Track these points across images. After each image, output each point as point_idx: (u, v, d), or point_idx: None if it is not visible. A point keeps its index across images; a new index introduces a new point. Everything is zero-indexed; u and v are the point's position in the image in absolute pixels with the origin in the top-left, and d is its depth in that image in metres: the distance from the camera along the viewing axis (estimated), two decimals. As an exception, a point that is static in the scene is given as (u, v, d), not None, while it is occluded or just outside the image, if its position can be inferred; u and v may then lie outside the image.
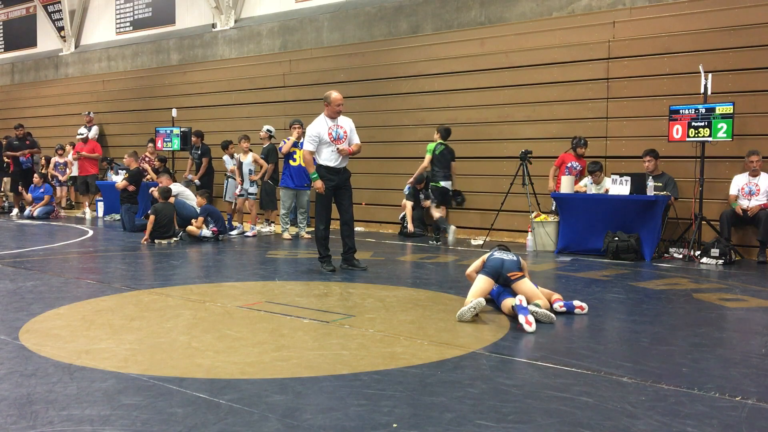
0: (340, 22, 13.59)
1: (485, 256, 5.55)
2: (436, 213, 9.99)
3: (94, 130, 16.35)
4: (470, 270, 5.72)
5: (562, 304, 5.28)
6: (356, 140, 7.59)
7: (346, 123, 7.52)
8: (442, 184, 9.98)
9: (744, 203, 8.50)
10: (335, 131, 7.37)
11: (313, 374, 3.73)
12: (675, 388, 3.52)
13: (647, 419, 3.08)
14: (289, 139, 10.43)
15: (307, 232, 10.90)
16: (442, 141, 10.11)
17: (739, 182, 8.61)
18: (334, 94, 7.46)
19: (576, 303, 5.34)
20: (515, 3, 11.35)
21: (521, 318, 4.81)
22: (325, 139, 7.30)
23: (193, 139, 12.79)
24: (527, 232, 9.59)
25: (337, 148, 7.30)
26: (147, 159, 13.50)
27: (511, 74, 10.91)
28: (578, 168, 9.72)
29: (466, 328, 4.87)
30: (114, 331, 4.68)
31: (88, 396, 3.36)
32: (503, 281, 5.34)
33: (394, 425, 2.99)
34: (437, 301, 5.78)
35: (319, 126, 7.36)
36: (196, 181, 12.52)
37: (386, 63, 12.43)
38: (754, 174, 8.47)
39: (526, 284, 5.29)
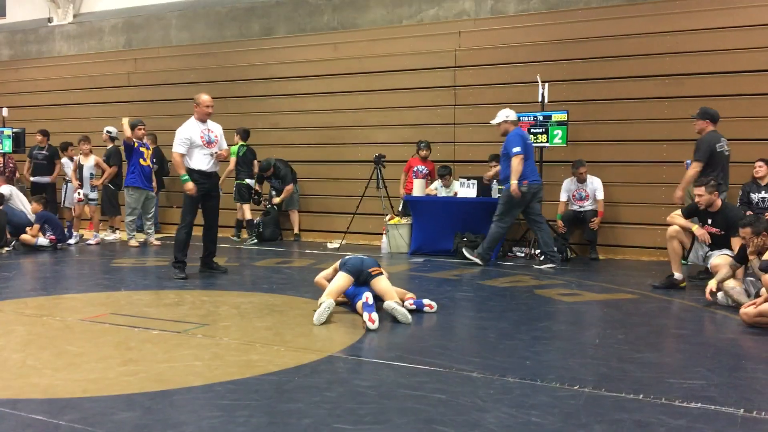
0: (189, 21, 13.16)
1: (337, 263, 5.59)
2: (248, 212, 10.83)
3: None
4: (319, 277, 5.77)
5: (412, 302, 5.44)
6: (224, 146, 7.48)
7: (216, 128, 7.40)
8: (247, 181, 10.86)
9: (575, 207, 9.14)
10: (207, 135, 7.22)
11: (163, 388, 3.57)
12: (520, 380, 3.72)
13: (496, 411, 3.23)
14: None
15: (156, 238, 10.46)
16: (243, 143, 10.94)
17: (568, 188, 9.22)
18: (203, 96, 7.33)
19: (425, 301, 5.52)
20: (366, 10, 11.54)
21: (365, 315, 4.91)
22: (197, 142, 7.16)
23: (38, 137, 11.68)
24: (382, 234, 9.77)
25: (215, 152, 7.23)
26: None
27: (364, 79, 11.09)
28: (424, 171, 10.05)
29: (323, 331, 4.88)
30: (-66, 353, 4.23)
31: None
32: (364, 278, 5.39)
33: (250, 435, 2.93)
34: (294, 306, 5.74)
35: (191, 129, 7.20)
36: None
37: (238, 65, 12.20)
38: (581, 181, 9.13)
39: (383, 282, 5.39)
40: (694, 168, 7.14)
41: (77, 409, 3.25)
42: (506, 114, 8.34)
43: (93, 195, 10.50)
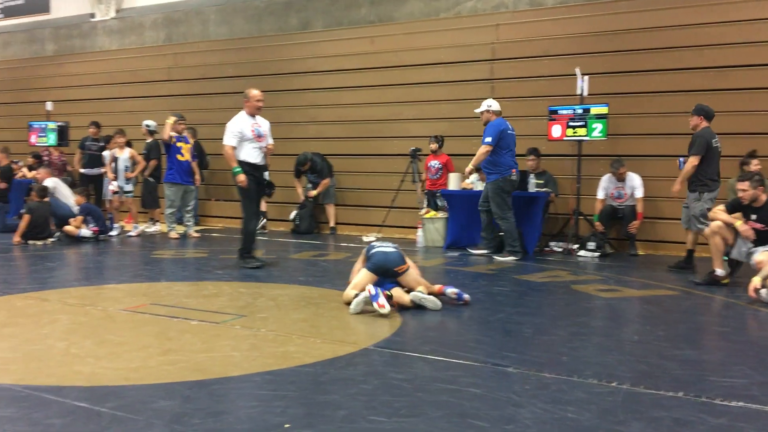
0: (227, 16, 13.29)
1: (364, 251, 5.63)
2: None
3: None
4: (356, 267, 5.79)
5: (456, 291, 5.43)
6: (270, 141, 7.60)
7: (264, 122, 7.52)
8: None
9: (613, 204, 9.00)
10: (257, 128, 7.34)
11: (201, 377, 3.63)
12: (556, 376, 3.69)
13: (531, 407, 3.21)
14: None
15: (196, 231, 10.62)
16: None
17: (607, 187, 9.08)
18: (254, 91, 7.43)
19: (465, 296, 5.50)
20: (403, 3, 11.52)
21: (374, 304, 4.98)
22: (247, 135, 7.26)
23: (91, 129, 11.89)
24: (417, 228, 9.76)
25: (266, 146, 7.39)
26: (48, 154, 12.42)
27: (401, 73, 11.07)
28: (436, 166, 10.09)
29: (359, 324, 4.90)
30: (-17, 340, 4.37)
31: (-46, 411, 3.12)
32: (391, 275, 5.41)
33: (287, 426, 2.96)
34: (330, 299, 5.77)
35: (242, 122, 7.30)
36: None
37: (276, 59, 12.29)
38: (620, 179, 8.99)
39: (409, 276, 5.43)
40: (692, 162, 7.31)
41: (119, 396, 3.32)
42: (488, 104, 8.55)
43: (128, 187, 10.66)
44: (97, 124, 11.94)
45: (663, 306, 5.69)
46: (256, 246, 7.78)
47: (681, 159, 7.80)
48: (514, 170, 8.26)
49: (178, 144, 10.08)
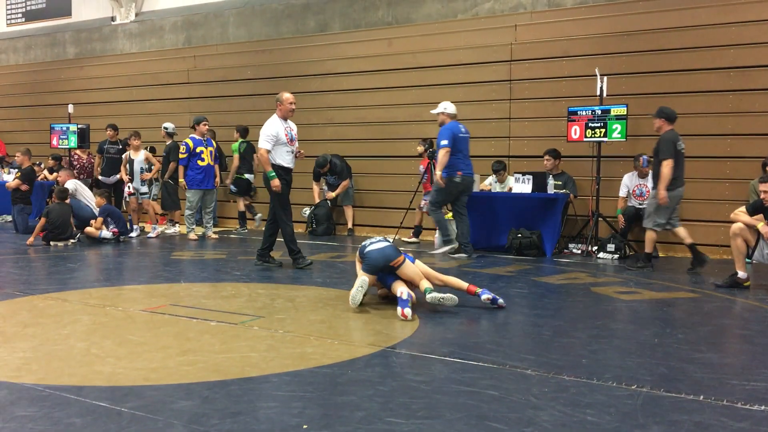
0: (246, 18, 13.37)
1: (357, 253, 5.69)
2: (242, 204, 11.59)
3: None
4: (358, 268, 5.89)
5: (490, 297, 5.43)
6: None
7: (294, 126, 7.64)
8: (246, 176, 11.48)
9: (635, 203, 8.95)
10: (290, 132, 7.47)
11: (220, 378, 3.65)
12: (575, 378, 3.67)
13: (550, 410, 3.19)
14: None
15: (215, 232, 10.67)
16: (243, 139, 11.48)
17: (629, 184, 9.04)
18: (286, 95, 7.54)
19: (500, 301, 5.49)
20: (421, 4, 11.51)
21: (399, 310, 5.05)
22: (282, 139, 7.37)
23: (109, 132, 11.93)
24: (435, 229, 9.74)
25: (299, 152, 7.55)
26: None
27: (419, 74, 11.06)
28: (421, 170, 10.13)
29: (376, 326, 4.90)
30: (6, 339, 4.42)
31: (-23, 409, 3.16)
32: (388, 270, 5.47)
33: (305, 426, 2.97)
34: (347, 300, 5.76)
35: (276, 126, 7.39)
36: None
37: (294, 61, 12.33)
38: (642, 176, 8.92)
39: (407, 268, 5.47)
40: (668, 165, 7.31)
41: (138, 396, 3.35)
42: (444, 106, 8.69)
43: (144, 189, 10.74)
44: (114, 127, 11.90)
45: (683, 308, 5.63)
46: (273, 248, 7.80)
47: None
48: (459, 172, 8.41)
49: (199, 149, 10.12)
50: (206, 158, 10.16)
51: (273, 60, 12.57)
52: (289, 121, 7.54)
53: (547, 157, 9.34)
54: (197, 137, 10.13)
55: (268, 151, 7.32)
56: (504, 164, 9.66)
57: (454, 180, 8.41)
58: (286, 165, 7.44)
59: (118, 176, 11.38)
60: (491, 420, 3.06)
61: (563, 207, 9.01)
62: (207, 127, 10.26)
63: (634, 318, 5.44)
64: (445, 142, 8.36)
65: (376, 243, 5.58)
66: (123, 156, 11.06)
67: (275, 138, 7.32)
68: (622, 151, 9.27)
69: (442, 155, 8.35)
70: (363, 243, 5.70)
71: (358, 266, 5.71)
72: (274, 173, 7.30)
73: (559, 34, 10.08)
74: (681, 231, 7.68)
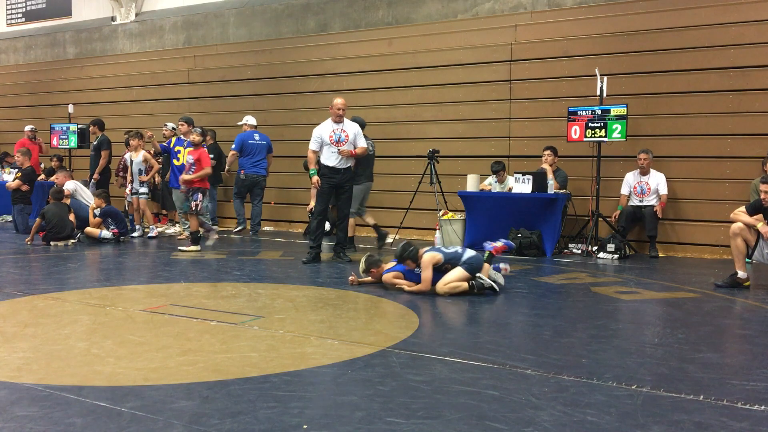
0: (246, 18, 13.37)
1: (431, 256, 6.05)
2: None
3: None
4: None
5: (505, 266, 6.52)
6: (361, 144, 8.10)
7: (350, 128, 8.04)
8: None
9: (636, 202, 8.96)
10: (336, 134, 7.91)
11: (220, 378, 3.65)
12: (575, 378, 3.67)
13: (550, 410, 3.19)
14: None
15: (217, 232, 10.62)
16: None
17: (630, 181, 9.06)
18: (336, 100, 8.01)
19: (501, 265, 6.36)
20: (421, 4, 11.51)
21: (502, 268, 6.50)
22: (326, 140, 7.91)
23: (91, 128, 11.85)
24: (435, 229, 9.75)
25: (338, 150, 7.86)
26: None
27: (418, 74, 11.06)
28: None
29: (377, 326, 4.90)
30: (6, 339, 4.42)
31: (-23, 409, 3.16)
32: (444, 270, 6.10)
33: (305, 426, 2.97)
34: (347, 300, 5.78)
35: (323, 128, 7.99)
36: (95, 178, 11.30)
37: (294, 61, 12.34)
38: (644, 172, 8.93)
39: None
40: None
41: (139, 396, 3.35)
42: (246, 119, 11.09)
43: (143, 189, 10.67)
44: (97, 122, 11.74)
45: (683, 308, 5.63)
46: (345, 242, 8.39)
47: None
48: (243, 170, 10.78)
49: (177, 148, 10.07)
50: (181, 158, 10.01)
51: (273, 60, 12.57)
52: (346, 123, 8.01)
53: (548, 152, 9.33)
54: (181, 137, 10.06)
55: (314, 152, 7.97)
56: (503, 164, 9.66)
57: (240, 177, 10.53)
58: (330, 164, 7.89)
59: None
60: (491, 420, 3.06)
61: (563, 207, 9.01)
62: (185, 127, 9.92)
63: (634, 318, 5.44)
64: (234, 146, 10.49)
65: (461, 250, 6.17)
66: (123, 156, 11.05)
67: (319, 139, 7.93)
68: (622, 151, 9.27)
69: (230, 157, 10.99)
70: (439, 248, 6.27)
71: (429, 270, 5.99)
72: (314, 171, 7.93)
73: (559, 34, 10.08)
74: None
